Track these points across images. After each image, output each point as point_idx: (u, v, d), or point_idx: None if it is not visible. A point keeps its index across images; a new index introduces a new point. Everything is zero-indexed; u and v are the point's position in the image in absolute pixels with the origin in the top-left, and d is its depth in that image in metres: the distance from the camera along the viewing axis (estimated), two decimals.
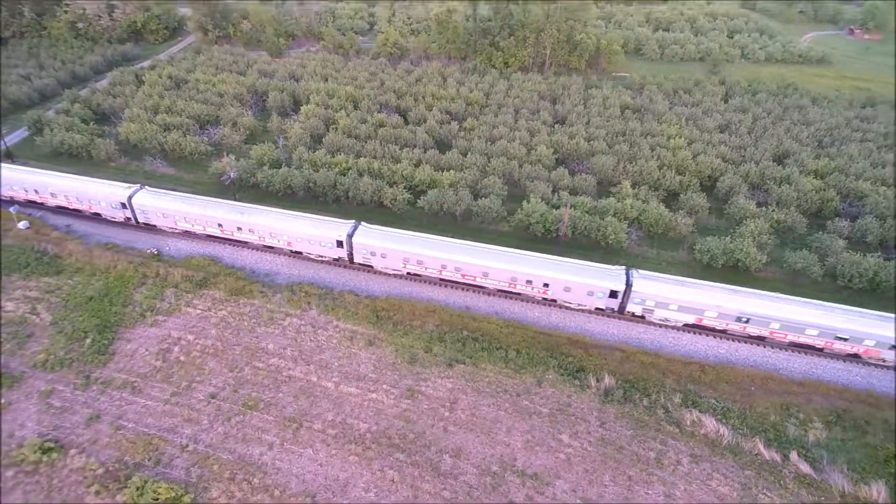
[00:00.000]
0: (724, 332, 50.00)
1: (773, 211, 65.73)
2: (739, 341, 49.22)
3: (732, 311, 48.15)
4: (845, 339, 46.75)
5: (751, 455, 38.36)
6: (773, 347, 48.96)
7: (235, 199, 63.71)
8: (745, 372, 45.28)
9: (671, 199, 69.50)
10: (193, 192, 64.49)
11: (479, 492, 35.70)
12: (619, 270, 51.26)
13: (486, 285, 53.39)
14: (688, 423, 40.47)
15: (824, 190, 69.77)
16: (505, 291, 53.32)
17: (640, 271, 51.64)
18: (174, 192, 62.35)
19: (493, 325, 48.64)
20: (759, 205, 67.66)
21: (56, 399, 41.17)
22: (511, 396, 42.29)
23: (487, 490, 35.86)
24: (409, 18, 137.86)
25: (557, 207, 63.85)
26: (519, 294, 53.12)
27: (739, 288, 50.20)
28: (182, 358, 45.02)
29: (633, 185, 70.34)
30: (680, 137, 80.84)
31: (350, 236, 54.53)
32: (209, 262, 55.31)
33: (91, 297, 49.86)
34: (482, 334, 47.65)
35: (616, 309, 51.25)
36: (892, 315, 47.04)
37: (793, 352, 48.28)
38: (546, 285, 51.18)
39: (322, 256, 56.75)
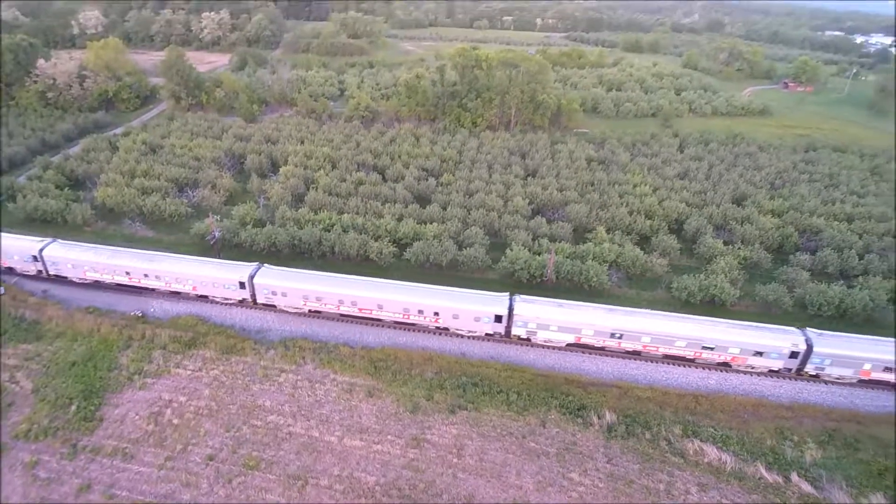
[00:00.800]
0: (602, 349, 52.62)
1: (740, 248, 69.77)
2: (728, 372, 51.02)
3: (607, 329, 51.05)
4: (711, 349, 50.11)
5: (754, 479, 39.23)
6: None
7: (219, 258, 63.41)
8: (737, 400, 46.85)
9: (644, 241, 72.86)
10: (172, 253, 63.91)
11: None
12: (504, 297, 54.05)
13: (382, 317, 55.23)
14: (691, 452, 41.26)
15: (783, 227, 74.75)
16: (401, 323, 55.38)
17: (522, 296, 54.45)
18: (85, 244, 62.53)
19: (492, 370, 49.07)
20: (725, 243, 71.61)
21: (42, 470, 38.68)
22: (517, 438, 42.28)
23: None
24: (377, 84, 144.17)
25: (539, 254, 66.08)
26: (413, 324, 55.13)
27: (615, 307, 54.00)
28: (175, 420, 43.32)
29: (608, 231, 73.66)
30: (645, 185, 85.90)
31: (252, 277, 56.18)
32: (197, 322, 54.28)
33: (74, 363, 47.86)
34: (481, 379, 47.90)
35: (503, 333, 53.62)
36: (775, 326, 51.71)
37: (778, 378, 50.34)
38: (436, 314, 53.48)
39: (227, 299, 57.81)
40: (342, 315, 56.42)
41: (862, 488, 38.31)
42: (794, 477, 39.15)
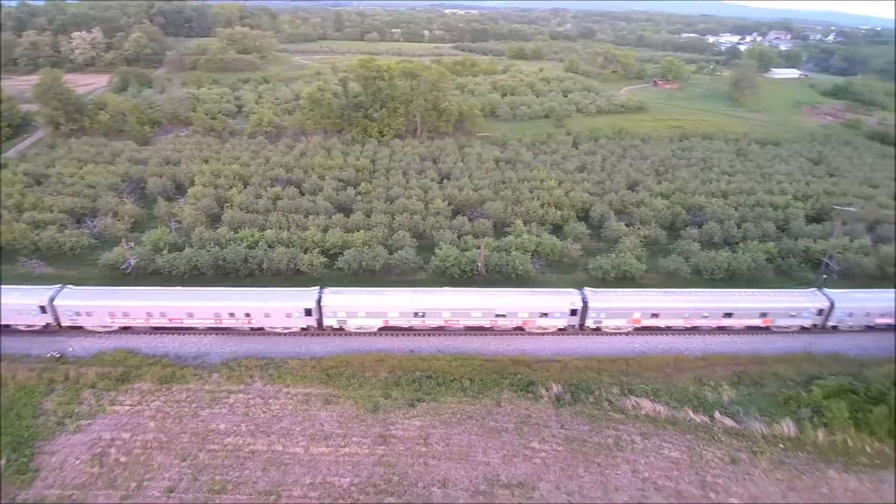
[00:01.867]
0: (411, 329, 56.33)
1: (639, 228, 77.90)
2: (649, 335, 57.16)
3: (409, 309, 54.82)
4: (504, 316, 55.68)
5: (685, 422, 44.88)
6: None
7: (134, 286, 59.67)
8: (660, 358, 52.94)
9: (557, 230, 78.84)
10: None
11: None
12: (313, 291, 55.91)
13: (194, 325, 55.05)
14: (630, 408, 46.15)
15: (672, 207, 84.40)
16: (214, 328, 55.42)
17: (331, 288, 56.82)
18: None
19: (442, 361, 51.12)
20: (627, 225, 79.46)
21: None
22: (477, 420, 44.71)
23: None
24: (276, 99, 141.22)
25: (466, 250, 69.32)
26: (228, 329, 55.49)
27: (420, 288, 59.03)
28: (122, 458, 40.62)
29: (525, 223, 78.79)
30: (550, 180, 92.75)
31: (52, 301, 53.48)
32: (126, 355, 50.86)
33: None
34: (434, 372, 49.77)
35: (316, 325, 55.53)
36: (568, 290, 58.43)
37: (689, 335, 57.37)
38: (248, 315, 54.51)
39: (31, 326, 54.68)
40: (154, 328, 55.10)
41: (772, 416, 45.40)
42: (717, 415, 45.40)
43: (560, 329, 57.07)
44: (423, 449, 42.02)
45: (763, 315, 57.35)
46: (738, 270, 68.15)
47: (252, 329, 55.77)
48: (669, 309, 56.54)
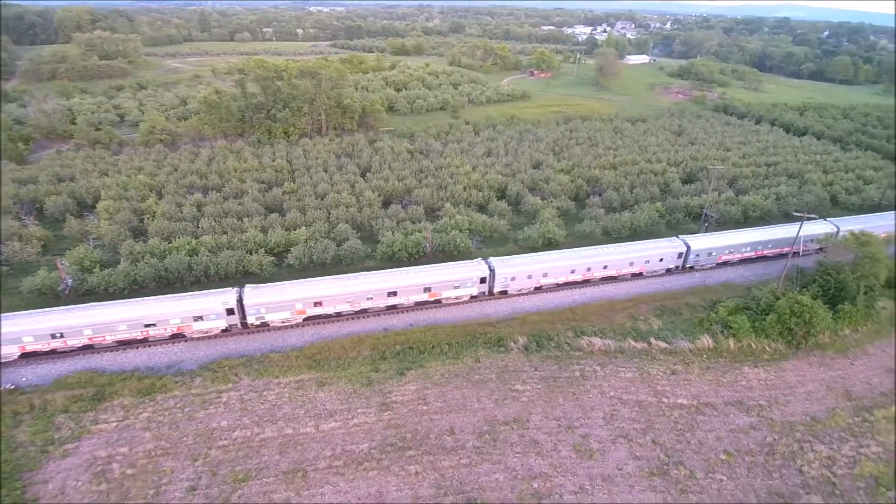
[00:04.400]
0: (339, 315, 58.19)
1: (552, 201, 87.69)
2: (585, 287, 66.11)
3: (310, 298, 56.10)
4: (429, 289, 59.67)
5: (630, 350, 54.06)
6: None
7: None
8: (597, 304, 62.02)
9: (482, 210, 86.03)
10: None
11: (487, 447, 42.51)
12: (231, 291, 55.55)
13: (119, 339, 52.37)
14: (585, 346, 54.31)
15: (574, 181, 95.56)
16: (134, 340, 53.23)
17: (250, 285, 56.86)
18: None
19: (417, 333, 55.48)
20: (542, 199, 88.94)
21: None
22: (463, 377, 49.94)
23: (491, 444, 42.92)
24: (161, 106, 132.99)
25: (410, 234, 73.81)
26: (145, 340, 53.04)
27: (322, 278, 59.47)
28: (129, 471, 39.98)
29: (454, 206, 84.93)
30: (465, 165, 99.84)
31: None
32: (92, 375, 48.55)
33: None
34: (412, 343, 54.04)
35: (239, 325, 55.98)
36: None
37: (616, 283, 67.32)
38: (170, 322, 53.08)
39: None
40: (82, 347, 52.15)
41: (693, 335, 56.32)
42: (653, 340, 55.22)
43: (473, 297, 62.50)
44: (424, 408, 46.42)
45: (631, 264, 67.39)
46: (638, 227, 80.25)
47: (173, 336, 54.19)
48: (558, 268, 64.32)
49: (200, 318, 54.02)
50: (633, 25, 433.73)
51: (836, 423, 46.98)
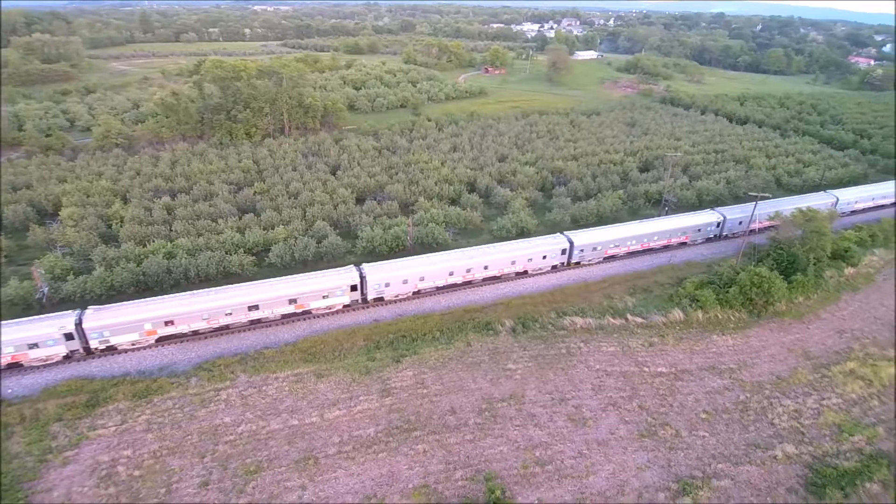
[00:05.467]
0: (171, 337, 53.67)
1: (521, 192, 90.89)
2: (559, 272, 69.35)
3: (160, 317, 52.27)
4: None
5: (609, 326, 57.62)
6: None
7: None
8: (574, 287, 65.42)
9: (453, 203, 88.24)
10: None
11: (488, 423, 44.75)
12: (70, 314, 51.08)
13: None
14: (567, 325, 57.43)
15: (539, 172, 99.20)
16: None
17: (93, 307, 52.74)
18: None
19: (407, 323, 57.11)
20: (511, 191, 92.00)
21: None
22: (457, 360, 52.00)
23: (491, 420, 45.17)
24: (112, 109, 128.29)
25: (389, 228, 75.13)
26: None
27: (174, 295, 56.21)
28: (136, 472, 39.87)
29: (427, 200, 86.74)
30: (433, 161, 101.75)
31: None
32: (83, 383, 47.69)
33: None
34: (404, 332, 55.65)
35: (82, 350, 51.27)
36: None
37: (597, 268, 70.93)
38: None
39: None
40: None
41: (665, 309, 60.43)
42: (629, 317, 59.01)
43: (345, 305, 59.89)
44: (424, 391, 48.18)
45: (513, 263, 66.18)
46: (603, 215, 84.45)
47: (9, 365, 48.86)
48: (435, 271, 62.60)
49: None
50: (578, 22, 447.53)
51: (798, 380, 51.92)
